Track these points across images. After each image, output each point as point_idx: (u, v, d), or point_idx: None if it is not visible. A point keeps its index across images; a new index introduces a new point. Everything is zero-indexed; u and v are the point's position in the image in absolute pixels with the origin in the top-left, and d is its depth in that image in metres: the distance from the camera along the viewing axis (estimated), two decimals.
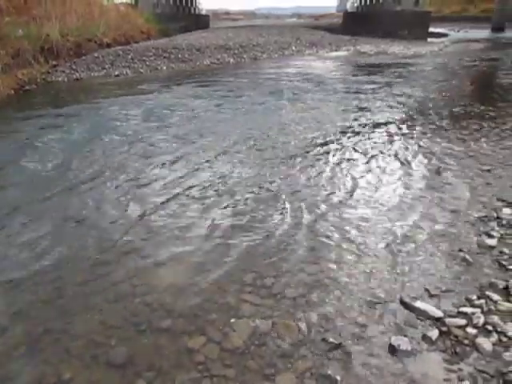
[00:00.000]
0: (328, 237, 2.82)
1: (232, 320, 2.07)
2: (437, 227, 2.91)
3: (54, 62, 10.62)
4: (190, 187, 3.64)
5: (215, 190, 3.57)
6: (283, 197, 3.42)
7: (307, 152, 4.47)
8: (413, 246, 2.69)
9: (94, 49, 12.82)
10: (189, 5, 35.91)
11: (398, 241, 2.75)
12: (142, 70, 10.99)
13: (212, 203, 3.34)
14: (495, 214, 3.05)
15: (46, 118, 6.08)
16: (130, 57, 12.26)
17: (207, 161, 4.26)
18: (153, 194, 3.53)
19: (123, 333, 2.02)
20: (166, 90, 8.32)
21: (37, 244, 2.78)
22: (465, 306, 2.13)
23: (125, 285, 2.36)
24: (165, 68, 11.47)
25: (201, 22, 36.10)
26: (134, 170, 4.03)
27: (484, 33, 28.55)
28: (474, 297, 2.19)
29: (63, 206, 3.31)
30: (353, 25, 30.77)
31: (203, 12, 42.73)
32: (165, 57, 12.71)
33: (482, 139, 4.82)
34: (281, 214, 3.14)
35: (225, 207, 3.27)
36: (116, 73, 10.45)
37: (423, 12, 27.18)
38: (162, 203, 3.35)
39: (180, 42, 16.11)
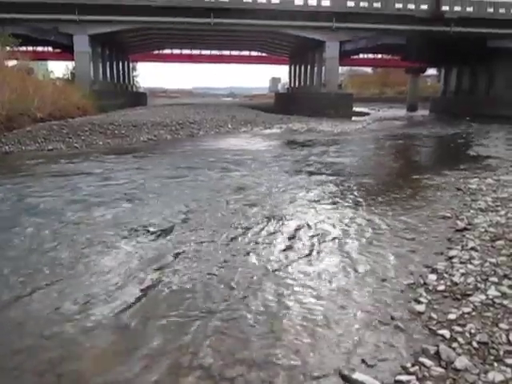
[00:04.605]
0: (262, 312, 2.80)
1: None
2: (370, 296, 3.00)
3: None
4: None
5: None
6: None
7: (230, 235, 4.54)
8: (347, 316, 2.74)
9: (27, 123, 12.59)
10: (126, 83, 36.85)
11: (333, 313, 2.79)
12: (77, 145, 10.86)
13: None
14: (422, 281, 3.22)
15: None
16: (64, 132, 12.12)
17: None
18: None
19: None
20: (94, 166, 8.20)
21: None
22: (400, 373, 2.17)
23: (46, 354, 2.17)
24: (101, 143, 11.42)
25: (138, 99, 36.90)
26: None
27: (401, 112, 31.69)
28: (409, 364, 2.24)
29: None
30: (284, 104, 33.10)
31: (141, 90, 43.92)
32: (101, 132, 12.69)
33: (404, 211, 5.17)
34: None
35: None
36: (49, 147, 10.26)
37: (346, 94, 30.40)
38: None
39: (117, 118, 16.24)
